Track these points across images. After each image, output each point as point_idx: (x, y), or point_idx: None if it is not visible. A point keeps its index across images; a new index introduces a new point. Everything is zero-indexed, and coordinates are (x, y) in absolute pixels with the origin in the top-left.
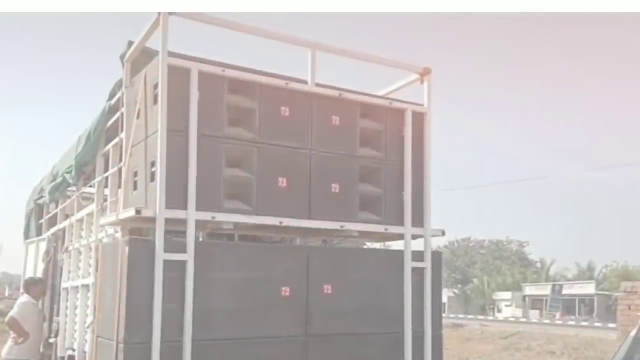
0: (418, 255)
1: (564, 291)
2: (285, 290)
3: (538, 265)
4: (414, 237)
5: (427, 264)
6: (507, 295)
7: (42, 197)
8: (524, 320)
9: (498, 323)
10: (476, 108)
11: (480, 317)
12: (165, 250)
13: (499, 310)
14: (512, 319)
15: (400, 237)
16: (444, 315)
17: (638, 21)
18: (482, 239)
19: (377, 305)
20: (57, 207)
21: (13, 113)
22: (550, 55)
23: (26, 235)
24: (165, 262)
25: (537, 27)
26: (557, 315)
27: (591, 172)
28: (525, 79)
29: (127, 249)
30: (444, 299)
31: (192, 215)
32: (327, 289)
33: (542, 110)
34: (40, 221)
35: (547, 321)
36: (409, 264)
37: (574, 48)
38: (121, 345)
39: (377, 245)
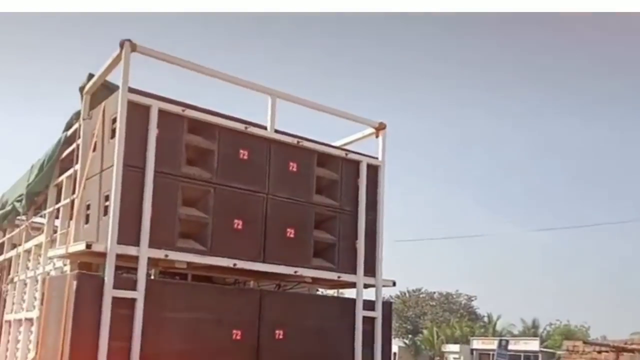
0: (369, 305)
1: (510, 347)
2: (237, 334)
3: (485, 319)
4: (366, 286)
5: (377, 314)
6: (455, 347)
7: None
8: None
9: None
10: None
11: None
12: (115, 287)
13: None
14: None
15: (352, 285)
16: None
17: None
18: (433, 291)
19: (327, 352)
20: (4, 235)
21: None
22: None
23: None
24: (114, 299)
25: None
26: None
27: (533, 233)
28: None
29: (75, 283)
30: (395, 349)
31: (144, 252)
32: (279, 334)
33: (488, 171)
34: None
35: None
36: (360, 313)
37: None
38: None
39: (329, 292)
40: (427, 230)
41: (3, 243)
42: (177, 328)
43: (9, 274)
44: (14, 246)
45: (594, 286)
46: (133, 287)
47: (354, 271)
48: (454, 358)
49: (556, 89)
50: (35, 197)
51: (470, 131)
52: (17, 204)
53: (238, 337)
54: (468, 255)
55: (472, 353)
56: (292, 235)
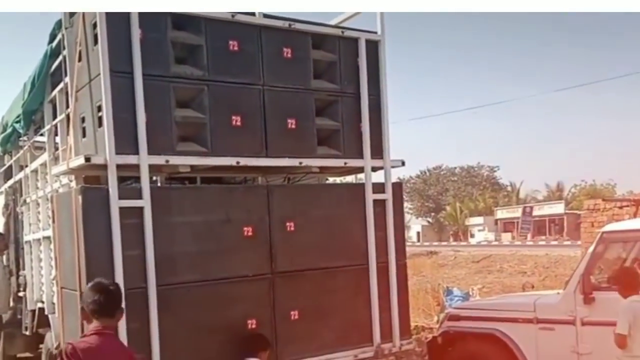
0: (379, 187)
1: (535, 213)
2: (248, 230)
3: (509, 189)
4: (375, 169)
5: (388, 196)
6: (479, 220)
7: None
8: (496, 243)
9: (471, 248)
10: (436, 36)
11: (454, 243)
12: (120, 197)
13: (472, 236)
14: (484, 243)
15: (360, 170)
16: (418, 244)
17: None
18: (454, 167)
19: (340, 239)
20: (11, 158)
21: None
22: None
23: None
24: (122, 209)
25: None
26: (529, 236)
27: (554, 93)
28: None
29: (80, 198)
30: (418, 228)
31: (144, 159)
32: (290, 226)
33: (502, 34)
34: None
35: (519, 243)
36: (370, 197)
37: None
38: None
39: (340, 179)
40: (441, 104)
41: (11, 166)
42: (188, 231)
43: (21, 195)
44: (22, 168)
45: (619, 142)
46: (139, 196)
47: (361, 155)
48: (478, 230)
49: None
50: (33, 115)
51: None
52: (17, 125)
53: (249, 234)
54: (487, 125)
55: (496, 223)
56: (293, 126)
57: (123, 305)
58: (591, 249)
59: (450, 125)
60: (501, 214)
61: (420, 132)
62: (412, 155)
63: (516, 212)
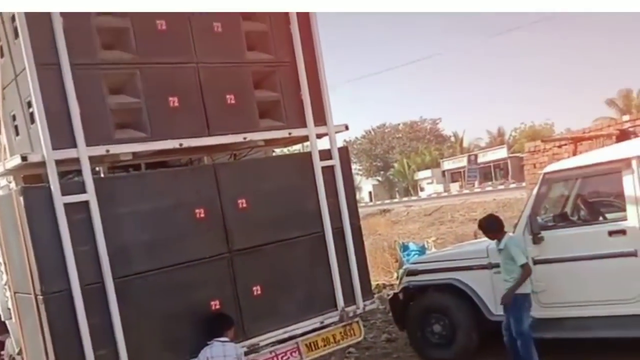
0: (326, 154)
1: (479, 160)
2: (200, 212)
3: (452, 139)
4: (319, 136)
5: (335, 162)
6: (427, 173)
7: None
8: (445, 194)
9: (422, 202)
10: None
11: (405, 199)
12: (64, 194)
13: (422, 189)
14: (434, 196)
15: (306, 139)
16: (370, 204)
17: None
18: (397, 123)
19: (294, 209)
20: None
21: None
22: None
23: None
24: (67, 205)
25: None
26: (476, 183)
27: (484, 40)
28: None
29: (21, 199)
30: (369, 188)
31: (83, 152)
32: (242, 203)
33: None
34: None
35: (467, 191)
36: (318, 164)
37: None
38: (40, 297)
39: (285, 150)
40: (378, 63)
41: None
42: (138, 220)
43: None
44: None
45: (552, 82)
46: (82, 190)
47: (304, 124)
48: (427, 183)
49: None
50: None
51: None
52: None
53: (202, 215)
54: (424, 79)
55: (443, 175)
56: (233, 101)
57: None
58: (535, 190)
59: (388, 81)
60: (447, 165)
61: (358, 93)
62: (354, 116)
63: (462, 162)
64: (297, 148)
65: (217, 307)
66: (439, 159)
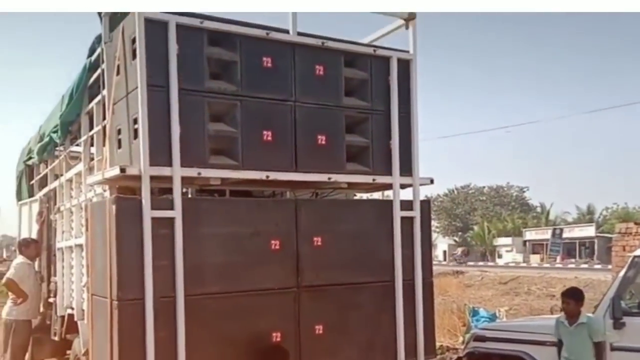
0: (407, 205)
1: (565, 235)
2: (276, 244)
3: (538, 210)
4: (403, 186)
5: (416, 213)
6: (507, 240)
7: (30, 158)
8: (524, 265)
9: (498, 269)
10: (467, 55)
11: (481, 263)
12: (153, 208)
13: (500, 256)
14: (512, 264)
15: (389, 187)
16: (444, 263)
17: None
18: (482, 186)
19: (367, 255)
20: (47, 167)
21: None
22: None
23: (18, 197)
24: (154, 219)
25: None
26: (558, 258)
27: (585, 115)
28: (518, 20)
29: (114, 207)
30: (444, 247)
31: (177, 171)
32: (317, 241)
33: (534, 52)
34: (31, 182)
35: (548, 265)
36: (398, 214)
37: None
38: (115, 303)
39: (367, 196)
40: (472, 123)
41: (46, 175)
42: (216, 243)
43: (55, 204)
44: (57, 177)
45: None
46: (170, 207)
47: (389, 172)
48: (507, 251)
49: None
50: (69, 126)
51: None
52: (54, 135)
53: (277, 247)
54: (517, 145)
55: (524, 244)
56: (323, 142)
57: None
58: (622, 272)
59: (480, 144)
60: (530, 235)
61: (449, 150)
62: (441, 173)
63: (545, 234)
64: (377, 195)
65: (278, 339)
66: (521, 227)
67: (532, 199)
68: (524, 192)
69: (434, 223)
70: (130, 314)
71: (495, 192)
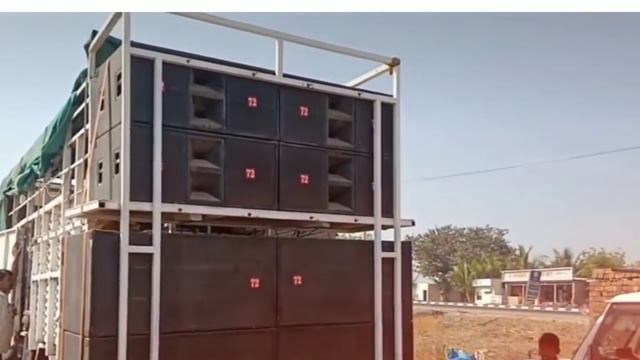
0: (388, 246)
1: (543, 278)
2: (255, 282)
3: (517, 252)
4: (385, 227)
5: (397, 254)
6: (486, 282)
7: (10, 188)
8: (503, 306)
9: (477, 310)
10: (449, 97)
11: (460, 304)
12: (131, 243)
13: (479, 297)
14: (491, 306)
15: (370, 227)
16: (424, 302)
17: None
18: (462, 227)
19: (347, 295)
20: (26, 198)
21: None
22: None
23: None
24: (131, 254)
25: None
26: (536, 301)
27: (565, 161)
28: (496, 67)
29: (91, 242)
30: (425, 287)
31: (157, 207)
32: (298, 279)
33: (516, 99)
34: (10, 213)
35: (526, 307)
36: (379, 254)
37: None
38: (87, 339)
39: (348, 236)
40: (453, 166)
41: (25, 206)
42: (195, 280)
43: (32, 235)
44: (36, 208)
45: (628, 211)
46: (149, 243)
47: (371, 213)
48: (485, 292)
49: None
50: (51, 158)
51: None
52: (35, 167)
53: (256, 285)
54: (497, 188)
55: (503, 286)
56: (306, 182)
57: None
58: (600, 319)
59: (460, 187)
60: (509, 277)
61: (430, 192)
62: (422, 214)
63: (524, 276)
64: (358, 235)
65: None
66: (500, 269)
67: (511, 242)
68: (503, 234)
69: (414, 263)
70: (102, 351)
71: (475, 233)
